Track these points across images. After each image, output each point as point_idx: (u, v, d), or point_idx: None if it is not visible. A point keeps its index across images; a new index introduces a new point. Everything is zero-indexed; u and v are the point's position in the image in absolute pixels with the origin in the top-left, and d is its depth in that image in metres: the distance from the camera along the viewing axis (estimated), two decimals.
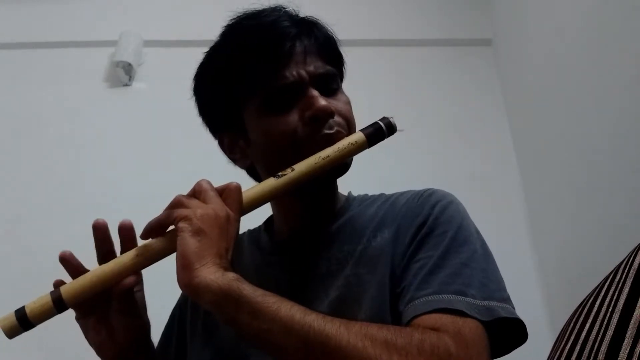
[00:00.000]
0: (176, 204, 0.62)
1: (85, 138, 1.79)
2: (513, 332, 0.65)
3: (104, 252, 0.65)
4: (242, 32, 0.75)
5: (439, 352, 0.54)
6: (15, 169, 1.74)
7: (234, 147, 0.79)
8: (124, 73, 1.85)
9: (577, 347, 0.70)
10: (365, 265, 0.70)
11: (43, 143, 1.78)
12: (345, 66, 0.82)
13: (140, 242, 0.64)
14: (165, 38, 1.95)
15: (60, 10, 1.96)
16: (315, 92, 0.70)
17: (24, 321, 0.58)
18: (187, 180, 0.67)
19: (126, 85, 1.89)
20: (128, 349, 0.68)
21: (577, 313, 0.80)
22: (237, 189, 0.64)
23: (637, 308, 0.60)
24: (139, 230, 0.64)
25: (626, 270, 0.68)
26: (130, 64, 1.84)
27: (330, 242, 0.76)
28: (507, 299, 0.65)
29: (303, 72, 0.71)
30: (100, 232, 0.65)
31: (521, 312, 0.65)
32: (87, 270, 0.64)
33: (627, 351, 0.57)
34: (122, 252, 0.65)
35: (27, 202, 1.68)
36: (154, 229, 0.62)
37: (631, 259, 0.69)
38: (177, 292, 0.73)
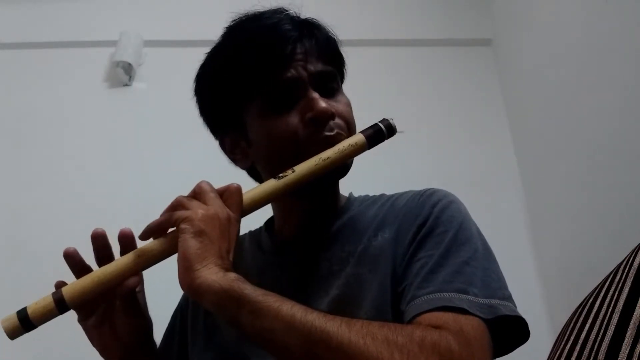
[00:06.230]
0: (177, 205, 0.62)
1: (85, 138, 1.79)
2: (515, 330, 0.65)
3: (104, 258, 0.65)
4: (243, 34, 0.75)
5: (440, 349, 0.53)
6: (15, 169, 1.74)
7: (235, 148, 0.79)
8: (124, 73, 1.85)
9: (577, 347, 0.70)
10: (366, 264, 0.70)
11: (43, 143, 1.78)
12: (345, 67, 0.82)
13: (140, 244, 0.64)
14: (165, 38, 1.95)
15: (60, 10, 1.96)
16: (315, 94, 0.71)
17: (25, 322, 0.58)
18: (188, 181, 0.67)
19: (126, 85, 1.89)
20: (133, 349, 0.68)
21: (577, 313, 0.80)
22: (238, 190, 0.65)
23: (637, 308, 0.60)
24: (138, 231, 0.64)
25: (626, 270, 0.68)
26: (130, 64, 1.84)
27: (331, 242, 0.76)
28: (508, 297, 0.65)
29: (304, 74, 0.72)
30: (99, 240, 0.64)
31: (521, 312, 0.65)
32: (90, 268, 0.64)
33: (627, 351, 0.57)
34: None
35: (27, 202, 1.68)
36: (154, 231, 0.62)
37: (631, 259, 0.69)
38: (177, 293, 0.73)
